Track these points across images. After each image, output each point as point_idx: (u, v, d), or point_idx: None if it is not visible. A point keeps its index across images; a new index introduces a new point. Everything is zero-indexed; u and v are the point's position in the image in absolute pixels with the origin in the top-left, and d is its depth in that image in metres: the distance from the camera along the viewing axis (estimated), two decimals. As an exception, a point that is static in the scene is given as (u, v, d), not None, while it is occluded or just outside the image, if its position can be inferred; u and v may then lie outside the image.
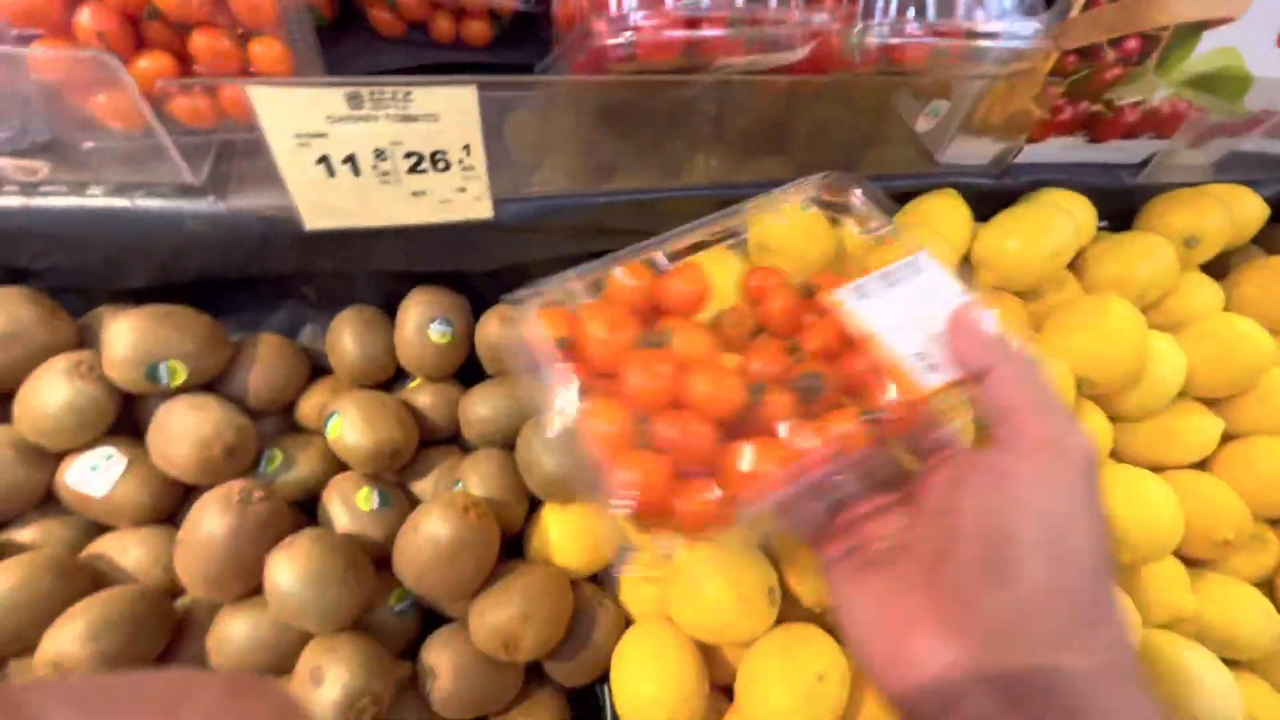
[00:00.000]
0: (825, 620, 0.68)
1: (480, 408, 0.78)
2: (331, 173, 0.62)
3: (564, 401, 0.44)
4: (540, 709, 0.68)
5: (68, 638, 0.56)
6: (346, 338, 0.78)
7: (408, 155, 0.62)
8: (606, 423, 0.41)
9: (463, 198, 0.68)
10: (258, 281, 0.80)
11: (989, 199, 0.91)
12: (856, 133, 0.93)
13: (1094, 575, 0.32)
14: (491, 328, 0.79)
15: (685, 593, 0.63)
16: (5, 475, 0.63)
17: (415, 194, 0.66)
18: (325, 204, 0.65)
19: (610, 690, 0.68)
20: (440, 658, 0.64)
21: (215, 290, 0.79)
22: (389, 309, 0.83)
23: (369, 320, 0.80)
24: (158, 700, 0.22)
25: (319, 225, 0.67)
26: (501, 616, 0.62)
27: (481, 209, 0.70)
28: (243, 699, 0.24)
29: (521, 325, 0.49)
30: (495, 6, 0.87)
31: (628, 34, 0.58)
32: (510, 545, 0.73)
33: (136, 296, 0.77)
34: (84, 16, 0.59)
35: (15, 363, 0.65)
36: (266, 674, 0.63)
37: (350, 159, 0.61)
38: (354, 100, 0.57)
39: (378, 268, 0.77)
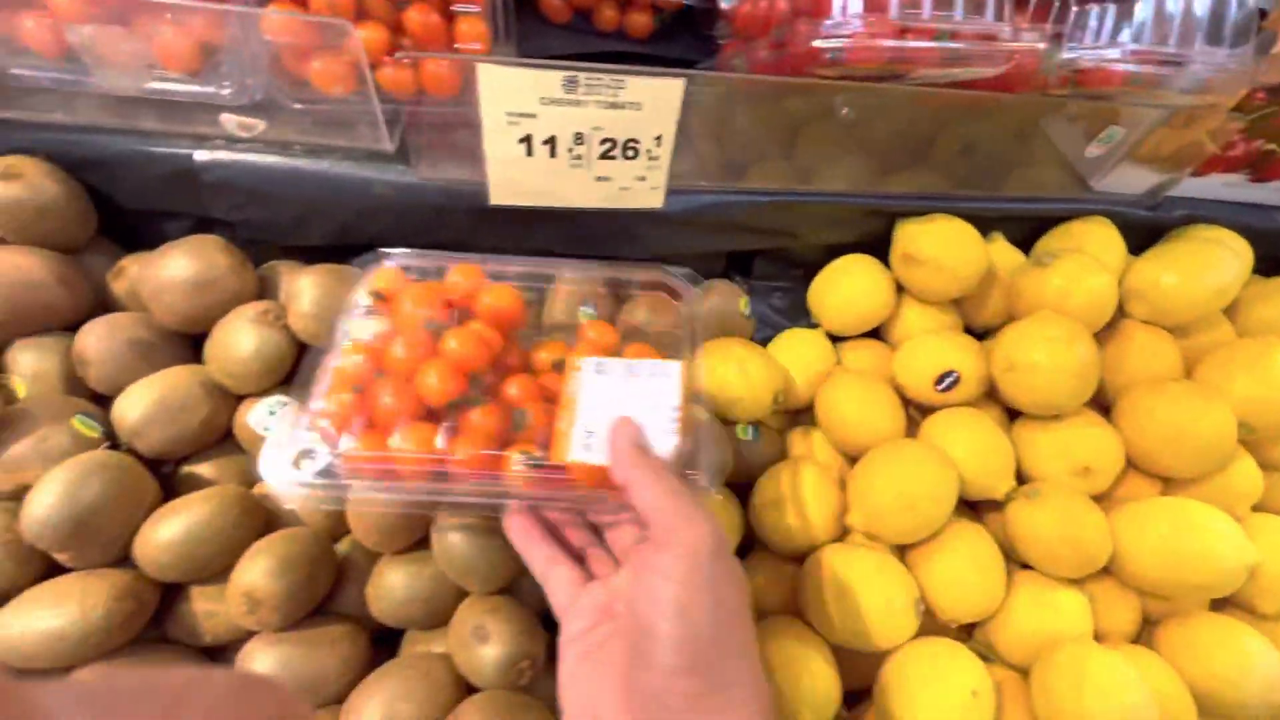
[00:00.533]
0: (961, 636, 0.68)
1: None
2: (530, 152, 0.64)
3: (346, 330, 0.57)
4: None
5: (257, 572, 0.59)
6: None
7: (604, 141, 0.64)
8: (354, 359, 0.54)
9: (641, 186, 0.70)
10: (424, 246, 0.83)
11: (1136, 230, 0.89)
12: (1006, 152, 0.92)
13: (716, 646, 0.38)
14: (639, 314, 0.80)
15: (832, 597, 0.64)
16: (196, 412, 0.66)
17: (599, 179, 0.68)
18: (514, 181, 0.67)
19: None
20: (582, 630, 0.66)
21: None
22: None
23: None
24: (163, 700, 0.23)
25: (502, 201, 0.69)
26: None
27: (654, 198, 0.72)
28: (245, 699, 0.25)
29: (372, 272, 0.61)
30: (667, 1, 0.88)
31: (842, 39, 0.58)
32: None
33: (303, 254, 0.80)
34: (318, -16, 0.62)
35: (207, 308, 0.69)
36: (422, 623, 0.65)
37: (551, 140, 0.63)
38: (570, 85, 0.59)
39: (536, 246, 0.79)
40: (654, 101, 0.61)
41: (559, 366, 0.58)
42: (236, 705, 0.24)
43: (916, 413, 0.83)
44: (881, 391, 0.78)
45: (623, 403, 0.52)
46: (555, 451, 0.50)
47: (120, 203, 0.74)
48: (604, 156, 0.66)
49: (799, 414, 0.88)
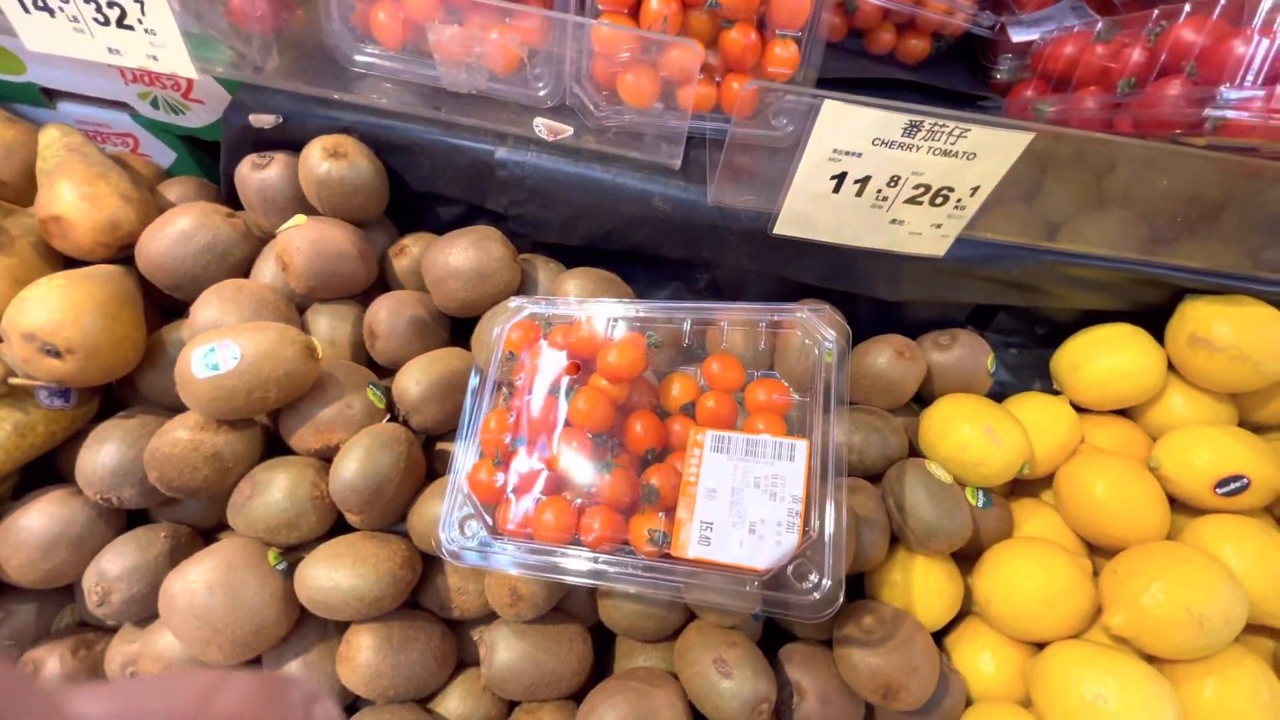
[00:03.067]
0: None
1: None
2: (838, 190, 0.62)
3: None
4: (874, 750, 0.68)
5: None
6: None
7: (918, 186, 0.61)
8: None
9: (932, 234, 0.66)
10: (660, 260, 0.83)
11: None
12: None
13: None
14: (881, 357, 0.77)
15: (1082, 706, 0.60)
16: (463, 395, 0.70)
17: (894, 222, 0.65)
18: (806, 215, 0.65)
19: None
20: (804, 678, 0.65)
21: (619, 260, 0.84)
22: (765, 311, 0.84)
23: (756, 320, 0.81)
24: (188, 703, 0.22)
25: (786, 232, 0.68)
26: (888, 664, 0.62)
27: (939, 246, 0.68)
28: (270, 699, 0.24)
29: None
30: (949, 28, 0.83)
31: (1236, 109, 0.52)
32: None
33: (557, 250, 0.82)
34: (654, 1, 0.62)
35: (481, 296, 0.72)
36: (650, 637, 0.67)
37: (864, 180, 0.61)
38: (911, 130, 0.56)
39: (790, 276, 0.77)
40: (990, 151, 0.57)
41: (689, 410, 0.60)
42: (260, 706, 0.24)
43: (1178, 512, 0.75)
44: (1145, 480, 0.72)
45: (740, 491, 0.51)
46: (675, 542, 0.51)
47: (408, 183, 0.78)
48: (910, 201, 0.63)
49: (1020, 484, 0.82)
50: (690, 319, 0.64)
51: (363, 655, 0.60)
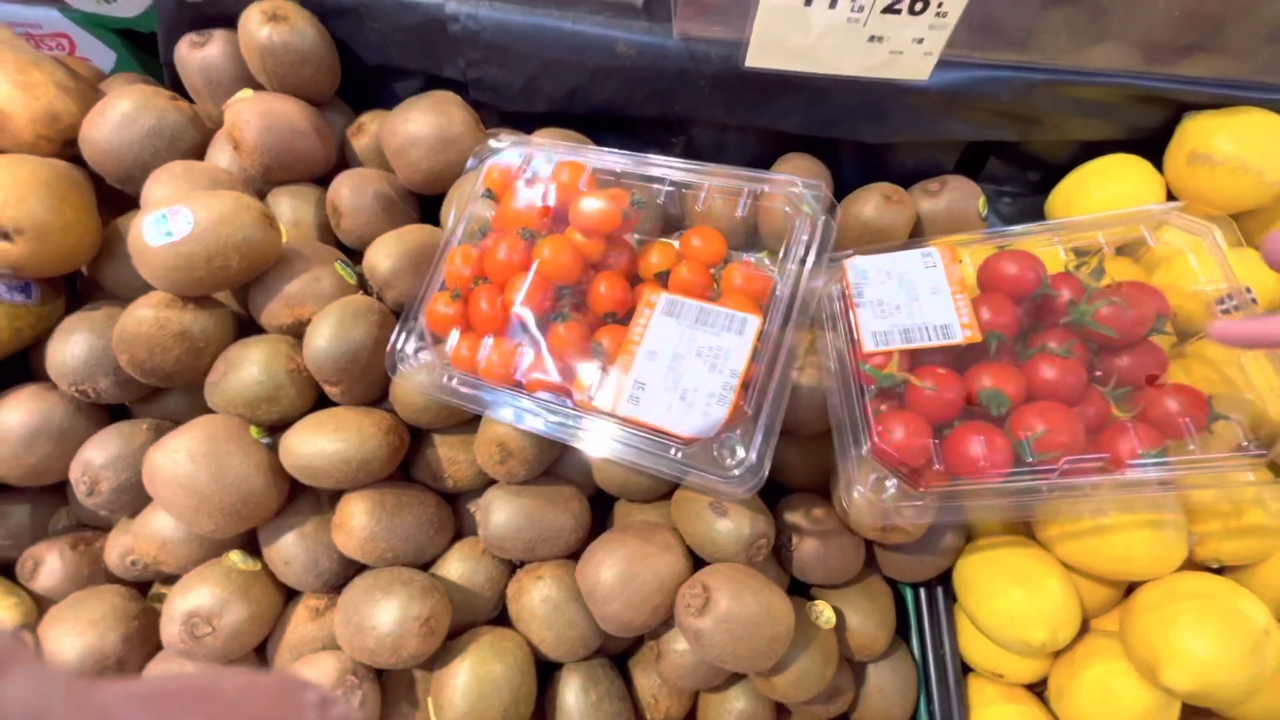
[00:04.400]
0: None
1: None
2: (809, 2, 0.57)
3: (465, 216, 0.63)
4: (874, 591, 0.68)
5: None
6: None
7: (896, -12, 0.57)
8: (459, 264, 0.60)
9: (914, 51, 0.62)
10: (632, 125, 0.79)
11: None
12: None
13: None
14: (868, 205, 0.74)
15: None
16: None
17: (872, 39, 0.61)
18: (778, 40, 0.61)
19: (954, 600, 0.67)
20: (803, 520, 0.65)
21: (589, 129, 0.80)
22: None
23: (813, 169, 0.77)
24: (216, 704, 0.24)
25: (759, 64, 0.63)
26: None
27: (923, 67, 0.64)
28: (288, 704, 0.26)
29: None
30: None
31: None
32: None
33: (524, 121, 0.79)
34: None
35: (446, 165, 0.69)
36: (645, 497, 0.66)
37: (838, -14, 0.56)
38: (884, -88, 0.51)
39: (768, 124, 0.73)
40: (971, -62, 0.53)
41: (662, 278, 0.57)
42: (282, 707, 0.26)
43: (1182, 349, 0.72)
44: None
45: (681, 357, 0.50)
46: (604, 394, 0.50)
47: (359, 56, 0.74)
48: (887, 10, 0.58)
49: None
50: (670, 178, 0.61)
51: (357, 520, 0.59)
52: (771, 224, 0.63)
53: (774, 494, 0.71)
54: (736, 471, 0.47)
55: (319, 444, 0.58)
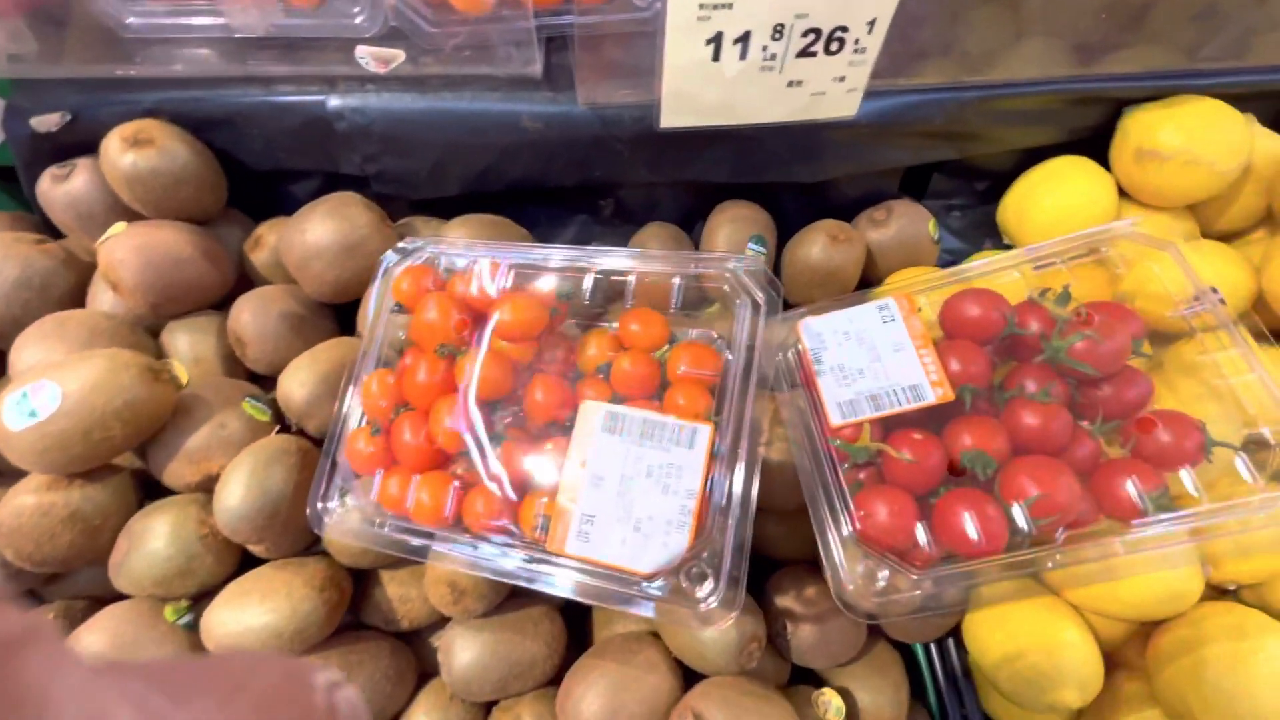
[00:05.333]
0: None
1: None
2: (717, 55, 0.53)
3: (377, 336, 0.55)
4: (883, 663, 0.63)
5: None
6: (650, 256, 0.72)
7: (806, 33, 0.52)
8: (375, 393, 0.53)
9: (836, 90, 0.58)
10: (556, 194, 0.74)
11: None
12: (1249, 11, 0.74)
13: None
14: (814, 247, 0.70)
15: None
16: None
17: (791, 84, 0.57)
18: (692, 97, 0.57)
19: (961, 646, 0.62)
20: (795, 604, 0.60)
21: (509, 204, 0.74)
22: (684, 226, 0.76)
23: (674, 236, 0.73)
24: (224, 683, 0.24)
25: (675, 123, 0.59)
26: (878, 567, 0.56)
27: (848, 105, 0.60)
28: (296, 686, 0.26)
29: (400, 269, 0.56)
30: None
31: None
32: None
33: (430, 208, 0.73)
34: None
35: (355, 272, 0.63)
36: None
37: (744, 37, 0.52)
38: (780, -42, 0.47)
39: (697, 178, 0.69)
40: (878, -27, 0.49)
41: (604, 372, 0.52)
42: (287, 691, 0.26)
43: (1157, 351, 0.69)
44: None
45: (630, 480, 0.45)
46: (553, 535, 0.45)
47: (246, 164, 0.68)
48: (802, 54, 0.54)
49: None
50: (596, 268, 0.55)
51: (300, 695, 0.52)
52: (713, 312, 0.58)
53: (761, 569, 0.65)
54: (710, 603, 0.42)
55: (244, 619, 0.51)
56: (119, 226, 0.61)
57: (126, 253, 0.59)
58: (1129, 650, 0.64)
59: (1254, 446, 0.50)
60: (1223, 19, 0.70)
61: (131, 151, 0.59)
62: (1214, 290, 0.55)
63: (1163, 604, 0.55)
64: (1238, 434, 0.51)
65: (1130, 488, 0.47)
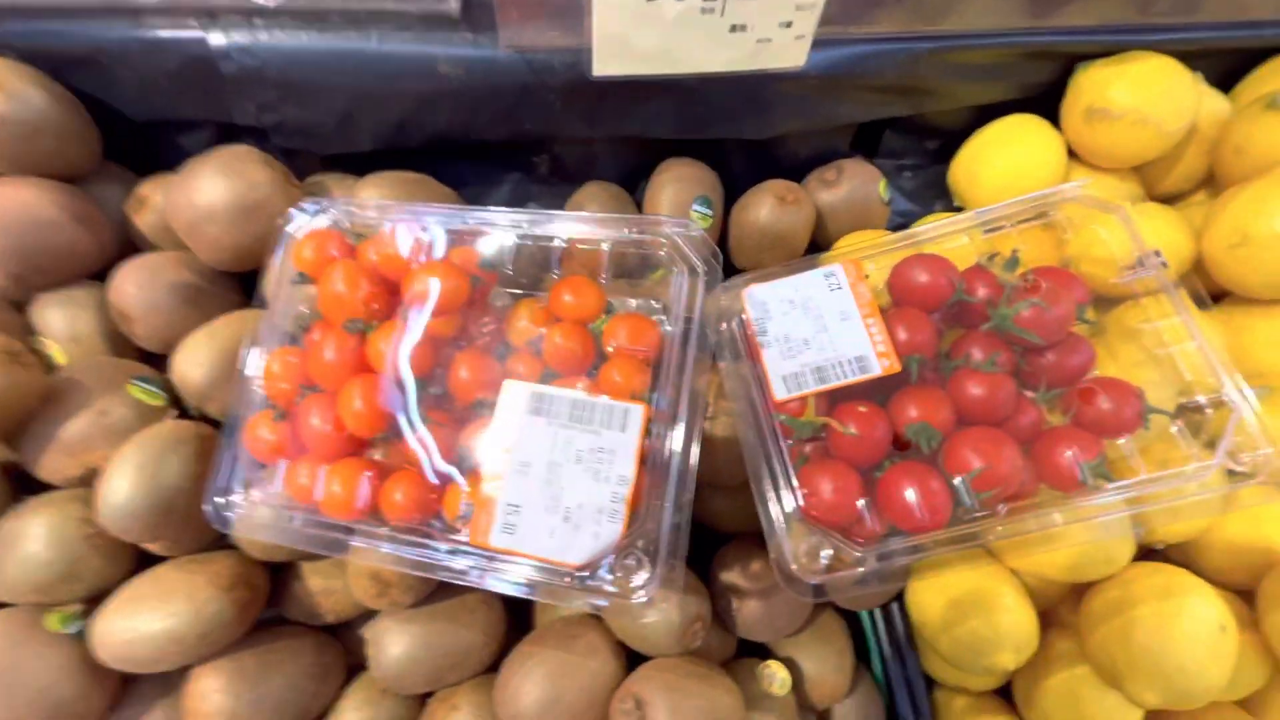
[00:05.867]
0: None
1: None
2: (652, -6, 0.48)
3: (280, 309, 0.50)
4: (829, 632, 0.63)
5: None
6: (591, 218, 0.67)
7: (750, -31, 0.47)
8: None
9: (783, 37, 0.54)
10: (486, 150, 0.68)
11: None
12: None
13: None
14: (761, 209, 0.66)
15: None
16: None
17: (734, 29, 0.52)
18: (626, 42, 0.51)
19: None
20: (741, 578, 0.59)
21: (433, 160, 0.68)
22: (625, 186, 0.71)
23: (615, 196, 0.68)
24: None
25: (608, 71, 0.54)
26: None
27: (797, 53, 0.56)
28: None
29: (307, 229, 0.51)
30: None
31: None
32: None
33: (342, 164, 0.66)
34: None
35: (256, 236, 0.56)
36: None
37: (682, -26, 0.47)
38: (719, -120, 0.42)
39: (637, 132, 0.64)
40: (826, -99, 0.44)
41: (535, 347, 0.48)
42: None
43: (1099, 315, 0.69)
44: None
45: (558, 466, 0.41)
46: (476, 527, 0.42)
47: (123, 113, 0.59)
48: (746, -6, 0.49)
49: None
50: (516, 234, 0.50)
51: (211, 702, 0.48)
52: (651, 278, 0.54)
53: (706, 543, 0.64)
54: (643, 594, 0.40)
55: (138, 626, 0.46)
56: (-35, 184, 0.52)
57: (-24, 215, 0.51)
58: (1061, 609, 0.66)
59: (1189, 411, 0.50)
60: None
61: (-29, 95, 0.50)
62: (1157, 253, 0.54)
63: (1096, 566, 0.56)
64: (1174, 400, 0.51)
65: (1069, 457, 0.47)
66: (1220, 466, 0.46)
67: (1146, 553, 0.62)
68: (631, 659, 0.54)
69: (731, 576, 0.59)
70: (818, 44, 0.57)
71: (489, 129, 0.61)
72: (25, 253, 0.53)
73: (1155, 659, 0.51)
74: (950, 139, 0.75)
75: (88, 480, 0.50)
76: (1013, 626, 0.56)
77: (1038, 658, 0.61)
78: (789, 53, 0.55)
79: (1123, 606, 0.54)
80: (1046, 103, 0.70)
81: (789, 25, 0.53)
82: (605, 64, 0.53)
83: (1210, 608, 0.52)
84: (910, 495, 0.45)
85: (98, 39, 0.53)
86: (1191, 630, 0.50)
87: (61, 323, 0.56)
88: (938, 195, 0.79)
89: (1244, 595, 0.61)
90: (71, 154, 0.57)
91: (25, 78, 0.52)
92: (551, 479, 0.41)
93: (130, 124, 0.60)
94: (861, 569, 0.47)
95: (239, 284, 0.61)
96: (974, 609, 0.57)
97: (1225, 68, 0.72)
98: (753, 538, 0.63)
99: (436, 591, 0.55)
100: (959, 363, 0.50)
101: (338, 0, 0.52)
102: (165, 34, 0.53)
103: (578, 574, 0.40)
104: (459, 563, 0.42)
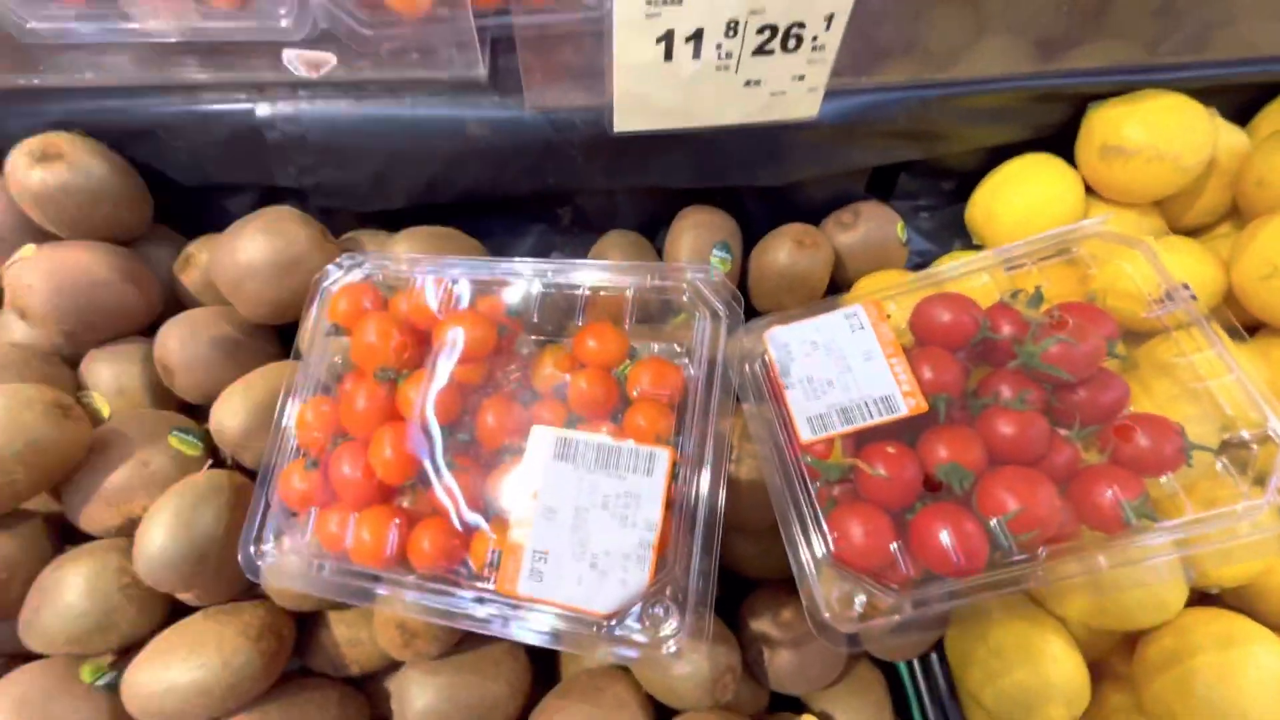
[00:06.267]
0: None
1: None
2: (669, 54, 0.50)
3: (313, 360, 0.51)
4: (864, 684, 0.61)
5: (405, 594, 0.51)
6: (612, 266, 0.69)
7: (761, 30, 0.50)
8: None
9: (796, 90, 0.56)
10: (512, 203, 0.71)
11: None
12: (1209, 5, 0.74)
13: None
14: (780, 253, 0.67)
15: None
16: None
17: (748, 84, 0.54)
18: (645, 99, 0.54)
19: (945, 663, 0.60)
20: (771, 628, 0.57)
21: (462, 215, 0.71)
22: (646, 234, 0.73)
23: (635, 244, 0.70)
24: None
25: (629, 127, 0.56)
26: (856, 587, 0.53)
27: (809, 105, 0.58)
28: None
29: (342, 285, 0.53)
30: None
31: None
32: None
33: (377, 221, 0.69)
34: None
35: (293, 291, 0.59)
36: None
37: (697, 35, 0.49)
38: (730, -50, 0.45)
39: (656, 183, 0.66)
40: (833, -34, 0.47)
41: (561, 393, 0.49)
42: None
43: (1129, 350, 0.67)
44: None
45: (585, 512, 0.41)
46: (502, 574, 0.41)
47: (174, 180, 0.63)
48: (758, 52, 0.52)
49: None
50: (541, 283, 0.52)
51: (237, 757, 0.48)
52: (674, 324, 0.55)
53: (734, 590, 0.62)
54: (672, 644, 0.39)
55: (168, 678, 0.46)
56: (27, 249, 0.56)
57: (34, 277, 0.54)
58: (1115, 660, 0.62)
59: (1232, 447, 0.49)
60: (1182, 13, 0.70)
61: (39, 167, 0.54)
62: (1185, 286, 0.53)
63: (1147, 613, 0.53)
64: (1216, 435, 0.49)
65: (1111, 497, 0.45)
66: (1272, 505, 0.44)
67: (1201, 598, 0.59)
68: (661, 713, 0.53)
69: (762, 625, 0.57)
70: (830, 94, 0.59)
71: (515, 184, 0.64)
72: (79, 311, 0.55)
73: (1217, 710, 0.47)
74: (966, 179, 0.76)
75: (127, 530, 0.52)
76: (1062, 678, 0.53)
77: (1091, 712, 0.57)
78: (802, 104, 0.57)
79: (1181, 656, 0.51)
80: (1060, 141, 0.71)
81: (801, 78, 0.55)
82: (626, 121, 0.55)
83: (1275, 656, 0.49)
84: (945, 538, 0.44)
85: (156, 113, 0.58)
86: (1257, 679, 0.47)
87: (109, 377, 0.58)
88: (955, 235, 0.79)
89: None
90: (126, 218, 0.60)
91: (87, 150, 0.57)
92: (578, 525, 0.41)
93: (180, 189, 0.64)
94: (897, 615, 0.45)
95: (277, 337, 0.64)
96: (1019, 659, 0.54)
97: (1239, 102, 0.73)
98: (782, 584, 0.61)
99: (462, 642, 0.55)
100: (988, 401, 0.49)
101: (374, 72, 0.56)
102: (216, 107, 0.57)
103: (605, 623, 0.40)
104: (482, 611, 0.42)
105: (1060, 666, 0.54)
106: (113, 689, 0.48)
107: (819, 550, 0.47)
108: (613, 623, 0.40)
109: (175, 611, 0.52)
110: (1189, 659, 0.50)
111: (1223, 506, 0.45)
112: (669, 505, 0.42)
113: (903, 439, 0.50)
